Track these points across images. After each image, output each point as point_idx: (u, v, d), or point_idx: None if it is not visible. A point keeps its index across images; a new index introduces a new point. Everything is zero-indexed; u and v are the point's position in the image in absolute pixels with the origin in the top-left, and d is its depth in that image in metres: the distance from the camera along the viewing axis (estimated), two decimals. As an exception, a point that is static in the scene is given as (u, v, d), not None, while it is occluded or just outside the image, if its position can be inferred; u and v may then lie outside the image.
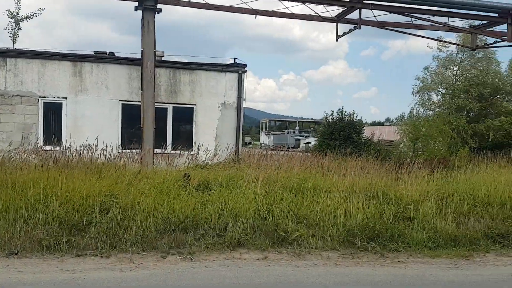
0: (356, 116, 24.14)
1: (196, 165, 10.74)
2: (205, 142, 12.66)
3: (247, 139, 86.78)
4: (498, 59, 24.40)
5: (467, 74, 24.56)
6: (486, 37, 15.22)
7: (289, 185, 8.22)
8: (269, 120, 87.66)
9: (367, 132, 26.55)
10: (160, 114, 13.19)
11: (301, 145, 50.18)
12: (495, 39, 13.64)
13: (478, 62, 24.49)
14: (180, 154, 11.18)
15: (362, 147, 22.01)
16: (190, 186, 7.84)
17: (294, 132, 69.14)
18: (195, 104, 13.47)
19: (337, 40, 13.81)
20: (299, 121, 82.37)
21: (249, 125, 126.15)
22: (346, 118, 24.05)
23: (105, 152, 9.11)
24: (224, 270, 5.43)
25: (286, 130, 74.12)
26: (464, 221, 7.97)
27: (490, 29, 12.77)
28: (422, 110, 25.84)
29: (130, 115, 13.37)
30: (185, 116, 13.46)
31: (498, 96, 24.02)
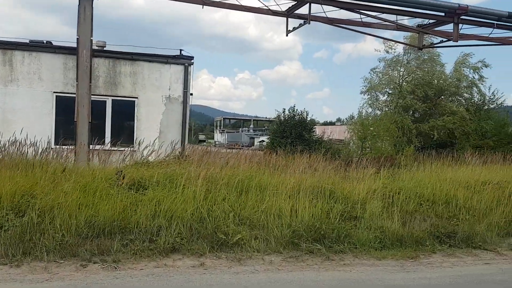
0: (307, 115, 24.12)
1: (136, 162, 9.98)
2: (148, 138, 11.84)
3: (201, 137, 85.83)
4: (443, 61, 25.23)
5: (413, 75, 25.17)
6: (434, 37, 15.43)
7: (233, 183, 7.70)
8: (223, 118, 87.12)
9: (319, 131, 26.63)
10: (98, 108, 12.27)
11: (255, 144, 49.97)
12: (441, 39, 13.80)
13: (424, 63, 25.18)
14: (120, 150, 10.39)
15: (313, 145, 21.98)
16: (123, 185, 7.14)
17: (248, 130, 68.95)
18: (137, 97, 12.63)
19: (287, 35, 13.42)
20: (253, 120, 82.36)
21: (204, 123, 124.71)
22: (297, 117, 23.94)
23: (35, 147, 8.20)
24: (152, 280, 4.81)
25: (240, 129, 73.81)
26: (411, 219, 7.80)
27: (437, 29, 12.86)
28: (370, 109, 26.28)
29: (66, 108, 12.33)
30: (126, 110, 12.60)
31: (442, 97, 24.79)
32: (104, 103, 12.30)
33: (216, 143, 67.11)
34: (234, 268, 5.38)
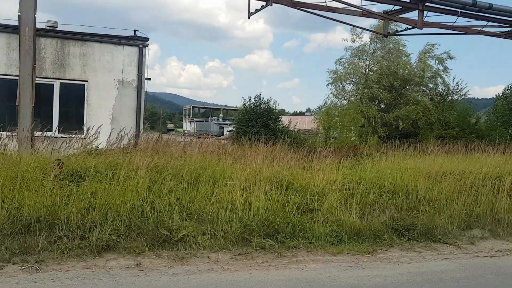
0: (274, 104, 23.66)
1: (84, 150, 9.24)
2: (99, 125, 11.13)
3: (170, 125, 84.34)
4: (409, 51, 25.30)
5: (379, 65, 25.12)
6: (400, 25, 15.19)
7: (182, 174, 7.15)
8: (192, 107, 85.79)
9: (288, 121, 26.27)
10: (45, 91, 11.40)
11: (225, 133, 49.27)
12: (406, 26, 13.55)
13: (389, 53, 25.15)
14: (68, 138, 9.60)
15: (278, 134, 21.59)
16: (60, 175, 6.47)
17: (218, 119, 68.05)
18: (86, 81, 11.78)
19: (249, 18, 12.81)
20: (223, 109, 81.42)
21: (173, 112, 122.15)
22: (263, 105, 23.45)
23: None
24: (76, 283, 4.23)
25: (210, 118, 72.77)
26: (369, 211, 7.50)
27: (402, 16, 12.57)
28: (336, 100, 26.11)
29: (9, 91, 11.36)
30: (75, 94, 11.74)
31: (407, 87, 24.86)
32: (51, 86, 11.41)
33: (185, 132, 65.95)
34: (174, 268, 4.86)
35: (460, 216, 7.68)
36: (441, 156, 12.44)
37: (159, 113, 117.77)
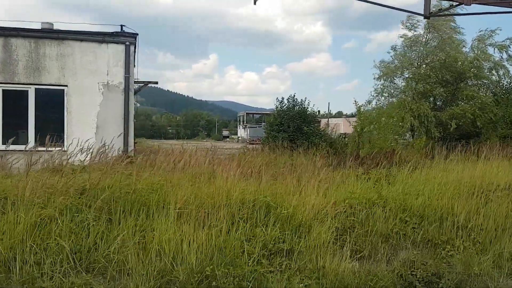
0: (308, 104, 21.35)
1: (47, 167, 7.72)
2: (83, 135, 9.68)
3: (225, 132, 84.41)
4: (466, 40, 21.95)
5: (432, 57, 22.00)
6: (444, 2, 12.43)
7: (116, 197, 5.30)
8: (246, 113, 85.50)
9: (324, 123, 23.86)
10: (19, 99, 10.11)
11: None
12: (451, 3, 10.84)
13: (444, 43, 21.94)
14: (47, 151, 8.15)
15: (313, 139, 19.30)
16: None
17: (271, 125, 66.33)
18: (66, 85, 10.34)
19: (255, 4, 10.85)
20: (277, 114, 79.45)
21: (229, 119, 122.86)
22: (297, 107, 21.24)
23: None
24: None
25: (262, 123, 71.53)
26: (380, 249, 5.19)
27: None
28: (383, 98, 23.29)
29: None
30: (53, 100, 10.35)
31: (467, 81, 21.51)
32: (25, 93, 10.08)
33: (239, 138, 65.18)
34: None
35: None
36: (500, 161, 9.69)
37: (215, 121, 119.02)
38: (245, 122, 77.86)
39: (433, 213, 6.19)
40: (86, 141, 7.77)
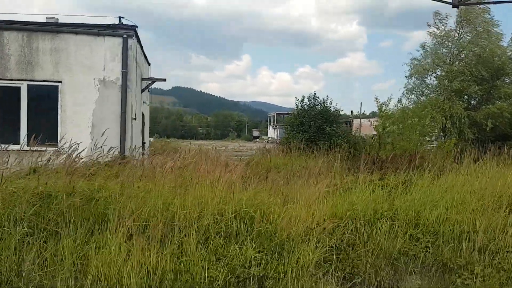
0: (331, 103, 20.24)
1: (30, 169, 7.13)
2: (77, 134, 9.09)
3: (256, 133, 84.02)
4: (503, 31, 20.25)
5: (466, 52, 20.40)
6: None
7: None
8: (277, 113, 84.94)
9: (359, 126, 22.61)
10: (11, 95, 9.62)
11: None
12: (483, -14, 9.61)
13: (478, 38, 20.29)
14: (39, 151, 7.60)
15: (335, 139, 18.21)
16: None
17: (300, 125, 65.38)
18: (60, 81, 9.76)
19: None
20: (307, 115, 78.45)
21: (260, 119, 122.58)
22: (319, 106, 20.16)
23: None
24: None
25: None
26: (379, 274, 4.21)
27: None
28: (413, 96, 21.85)
29: None
30: (46, 98, 9.78)
31: (502, 78, 19.80)
32: (17, 90, 9.56)
33: (269, 139, 64.63)
34: None
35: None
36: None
37: (245, 122, 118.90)
38: (275, 123, 77.08)
39: (451, 230, 5.13)
40: (80, 142, 7.09)
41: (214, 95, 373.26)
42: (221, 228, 4.74)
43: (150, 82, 13.24)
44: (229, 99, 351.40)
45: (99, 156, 7.88)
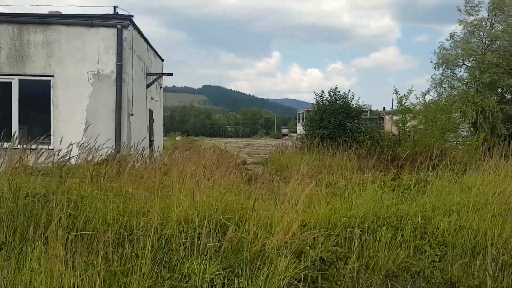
0: (353, 97, 19.15)
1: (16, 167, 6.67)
2: (70, 132, 8.63)
3: (284, 130, 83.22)
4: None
5: (500, 42, 18.92)
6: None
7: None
8: (306, 110, 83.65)
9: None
10: (2, 91, 9.22)
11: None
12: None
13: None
14: (30, 149, 7.17)
15: (357, 136, 17.19)
16: None
17: (330, 122, 64.35)
18: (52, 76, 9.29)
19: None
20: (337, 111, 77.49)
21: (289, 116, 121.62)
22: (339, 101, 19.11)
23: None
24: None
25: (320, 120, 69.42)
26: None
27: None
28: (442, 89, 20.46)
29: None
30: (38, 93, 9.35)
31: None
32: (9, 85, 9.16)
33: (298, 136, 63.60)
34: None
35: None
36: None
37: (273, 119, 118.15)
38: (304, 119, 75.94)
39: (465, 241, 4.22)
40: (73, 143, 6.59)
41: (244, 93, 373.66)
42: (187, 238, 4.04)
43: (156, 77, 12.69)
44: (259, 97, 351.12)
45: (91, 154, 7.33)
